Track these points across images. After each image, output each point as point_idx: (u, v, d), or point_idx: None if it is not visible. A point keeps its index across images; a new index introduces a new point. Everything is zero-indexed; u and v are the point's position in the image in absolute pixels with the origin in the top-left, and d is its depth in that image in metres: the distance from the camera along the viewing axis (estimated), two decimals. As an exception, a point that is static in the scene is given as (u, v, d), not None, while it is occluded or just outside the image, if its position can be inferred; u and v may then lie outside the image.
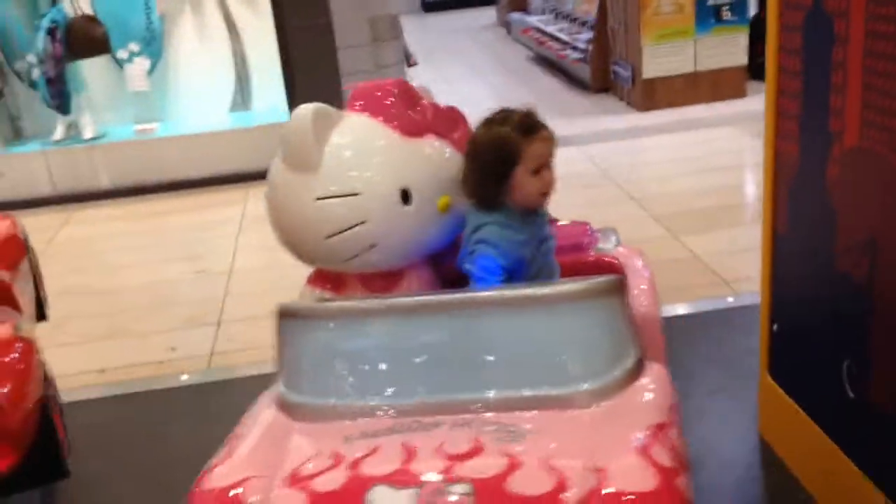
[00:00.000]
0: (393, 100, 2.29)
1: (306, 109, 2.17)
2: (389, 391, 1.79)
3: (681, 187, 5.75)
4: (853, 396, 2.26)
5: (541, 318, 1.79)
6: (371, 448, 1.64)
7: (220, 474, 1.66)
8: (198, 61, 7.20)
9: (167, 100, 7.17)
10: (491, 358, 1.78)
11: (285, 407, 1.84)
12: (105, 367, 4.08)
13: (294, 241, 2.26)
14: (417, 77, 9.84)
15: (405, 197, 2.18)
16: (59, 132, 6.91)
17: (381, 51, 7.28)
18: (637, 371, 1.82)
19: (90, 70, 7.03)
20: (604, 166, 6.27)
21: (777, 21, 2.46)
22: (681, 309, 3.89)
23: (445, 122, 2.37)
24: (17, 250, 3.34)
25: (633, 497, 1.47)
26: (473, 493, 1.50)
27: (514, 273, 2.16)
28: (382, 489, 1.53)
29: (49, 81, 6.63)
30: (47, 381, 2.72)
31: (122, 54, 6.90)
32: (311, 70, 6.42)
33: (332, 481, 1.58)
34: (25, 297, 3.25)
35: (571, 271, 2.33)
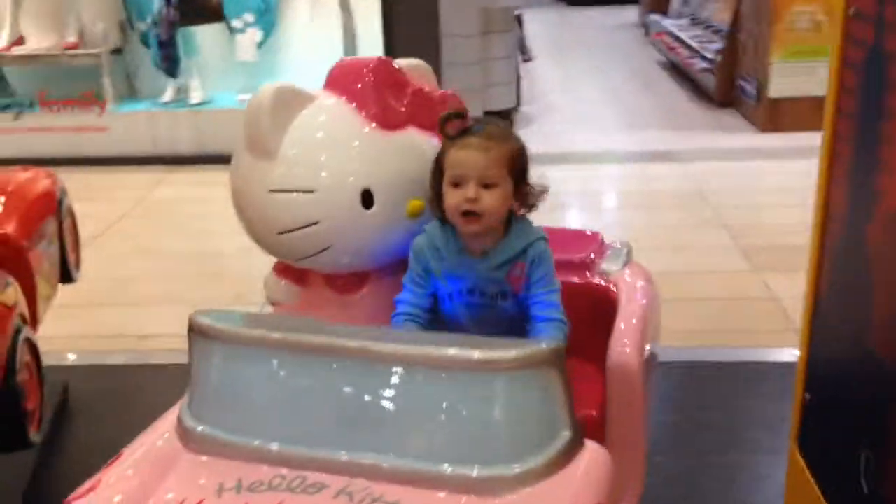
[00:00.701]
0: (372, 82, 2.00)
1: (267, 89, 1.95)
2: (285, 436, 1.58)
3: (780, 220, 5.31)
4: (867, 492, 1.97)
5: (460, 384, 1.52)
6: (243, 504, 1.46)
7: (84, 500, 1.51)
8: (308, 37, 7.19)
9: (274, 73, 7.21)
10: (401, 422, 1.54)
11: (179, 429, 1.67)
12: (150, 333, 4.10)
13: (249, 231, 2.06)
14: (534, 72, 9.62)
15: (367, 199, 1.94)
16: (168, 94, 7.06)
17: (491, 43, 7.10)
18: (567, 454, 1.55)
19: (203, 36, 7.14)
20: (703, 187, 5.88)
21: (839, 56, 2.15)
22: (738, 354, 3.57)
23: (434, 111, 2.05)
24: (43, 210, 3.34)
25: None
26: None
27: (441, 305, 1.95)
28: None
29: (161, 44, 6.77)
30: (26, 348, 2.68)
31: (236, 24, 6.96)
32: (410, 55, 6.28)
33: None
34: (44, 259, 3.25)
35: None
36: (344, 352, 1.57)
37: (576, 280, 2.24)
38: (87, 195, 4.63)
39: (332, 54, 7.16)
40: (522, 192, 1.91)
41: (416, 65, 2.21)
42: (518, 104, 7.62)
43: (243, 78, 7.21)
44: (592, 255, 2.31)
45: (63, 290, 3.53)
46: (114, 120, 6.98)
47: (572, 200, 5.76)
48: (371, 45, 6.78)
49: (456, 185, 1.85)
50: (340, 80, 2.05)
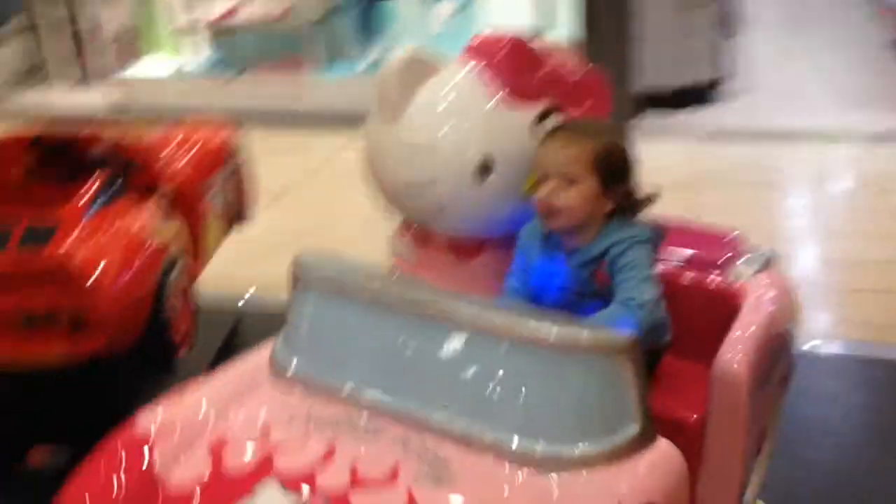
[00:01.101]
0: (505, 56, 2.00)
1: (399, 55, 2.01)
2: (360, 380, 1.63)
3: None
4: None
5: (535, 359, 1.51)
6: (300, 436, 1.54)
7: (150, 414, 1.64)
8: (500, 8, 7.20)
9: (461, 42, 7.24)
10: (470, 386, 1.55)
11: (271, 360, 1.76)
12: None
13: (375, 188, 2.12)
14: (742, 46, 9.10)
15: (484, 167, 1.94)
16: (367, 61, 7.33)
17: (689, 16, 6.81)
18: (632, 447, 1.50)
19: (401, 6, 7.33)
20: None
21: None
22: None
23: (569, 90, 2.04)
24: (217, 161, 3.61)
25: None
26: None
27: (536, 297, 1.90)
28: (273, 488, 1.43)
29: (361, 13, 7.03)
30: (180, 282, 2.90)
31: (433, -6, 7.11)
32: (605, 30, 6.18)
33: (239, 458, 1.51)
34: (214, 205, 3.52)
35: (673, 293, 2.02)
36: (430, 311, 1.61)
37: (700, 280, 2.14)
38: (283, 151, 4.85)
39: (523, 26, 7.19)
40: (615, 192, 1.82)
41: (559, 45, 2.22)
42: (719, 79, 7.27)
43: (435, 45, 7.30)
44: (727, 258, 2.19)
45: (242, 238, 3.80)
46: (314, 84, 7.33)
47: (779, 179, 5.48)
48: (567, 18, 6.69)
49: (541, 182, 1.83)
50: (476, 52, 2.07)
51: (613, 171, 1.81)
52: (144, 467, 1.53)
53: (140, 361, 2.74)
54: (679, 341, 1.97)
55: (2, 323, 2.50)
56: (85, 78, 8.34)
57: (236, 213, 3.80)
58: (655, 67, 6.70)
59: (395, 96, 2.01)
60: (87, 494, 1.51)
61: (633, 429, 1.52)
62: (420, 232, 2.16)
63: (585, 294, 1.86)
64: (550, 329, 1.51)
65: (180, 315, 2.96)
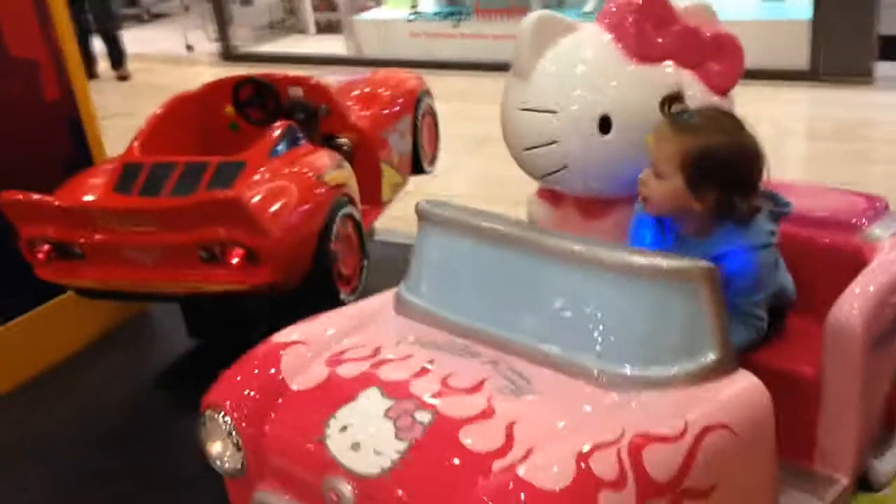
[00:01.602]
0: (634, 16, 2.03)
1: (530, 16, 2.09)
2: (464, 311, 1.78)
3: None
4: None
5: (614, 285, 1.61)
6: (404, 355, 1.71)
7: (285, 333, 1.86)
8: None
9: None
10: (559, 312, 1.66)
11: (396, 296, 1.95)
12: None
13: (507, 145, 2.22)
14: None
15: (604, 124, 1.99)
16: (590, 4, 7.27)
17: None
18: (708, 374, 1.55)
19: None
20: None
21: None
22: None
23: (701, 50, 2.05)
24: (401, 109, 3.80)
25: (532, 488, 1.33)
26: (429, 425, 1.51)
27: None
28: (374, 392, 1.61)
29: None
30: (349, 222, 3.11)
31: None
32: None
33: (350, 370, 1.70)
34: (395, 150, 3.72)
35: (804, 249, 2.05)
36: (528, 245, 1.73)
37: (832, 239, 2.12)
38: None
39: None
40: (707, 193, 1.78)
41: (699, 5, 2.17)
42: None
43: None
44: (865, 219, 2.14)
45: (433, 182, 3.94)
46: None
47: None
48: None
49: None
50: (608, 13, 2.12)
51: (706, 173, 1.77)
52: (273, 376, 1.76)
53: (305, 298, 2.90)
54: (807, 299, 1.98)
55: (181, 255, 2.77)
56: (330, 26, 8.93)
57: (416, 164, 3.98)
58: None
59: (526, 55, 2.08)
60: (228, 393, 1.76)
61: (710, 356, 1.57)
62: (553, 193, 2.25)
63: None
64: (633, 257, 1.61)
65: (346, 257, 3.14)
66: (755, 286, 1.82)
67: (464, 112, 5.50)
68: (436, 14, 7.99)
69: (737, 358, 1.65)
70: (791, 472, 1.89)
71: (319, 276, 2.98)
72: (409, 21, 7.96)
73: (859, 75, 6.21)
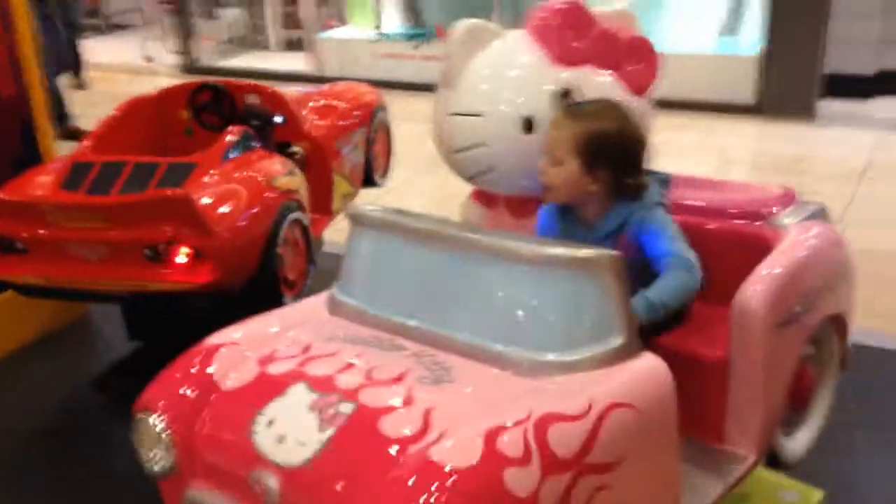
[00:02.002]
0: (556, 22, 2.16)
1: (460, 25, 2.19)
2: (390, 308, 1.86)
3: None
4: None
5: (526, 277, 1.69)
6: (332, 352, 1.77)
7: (220, 335, 1.92)
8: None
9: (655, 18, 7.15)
10: (478, 305, 1.75)
11: (329, 295, 2.02)
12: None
13: (438, 151, 2.32)
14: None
15: (528, 125, 2.10)
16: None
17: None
18: (615, 357, 1.64)
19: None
20: None
21: None
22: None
23: (617, 53, 2.18)
24: (356, 121, 3.88)
25: (442, 468, 1.41)
26: (350, 414, 1.58)
27: None
28: (301, 387, 1.68)
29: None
30: (296, 228, 3.16)
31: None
32: (798, 7, 6.00)
33: (280, 368, 1.76)
34: (348, 161, 3.79)
35: (716, 239, 2.15)
36: (447, 241, 1.81)
37: (740, 227, 2.21)
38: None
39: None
40: (601, 174, 1.91)
41: (619, 12, 2.30)
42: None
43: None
44: (773, 209, 2.24)
45: (388, 198, 4.03)
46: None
47: None
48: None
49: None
50: (533, 19, 2.24)
51: (598, 155, 1.90)
52: (205, 374, 1.82)
53: (248, 301, 2.91)
54: (719, 286, 2.05)
55: (127, 252, 2.80)
56: (293, 43, 8.99)
57: (368, 176, 4.06)
58: (856, 45, 6.39)
59: (456, 63, 2.20)
60: (160, 395, 1.81)
61: (616, 340, 1.66)
62: (486, 195, 2.35)
63: None
64: (544, 249, 1.70)
65: (293, 262, 3.20)
66: (670, 233, 1.90)
67: (423, 132, 5.53)
68: (399, 35, 8.12)
69: (678, 319, 1.80)
70: (702, 451, 2.00)
71: (264, 279, 3.03)
72: (373, 42, 8.09)
73: (802, 111, 6.43)
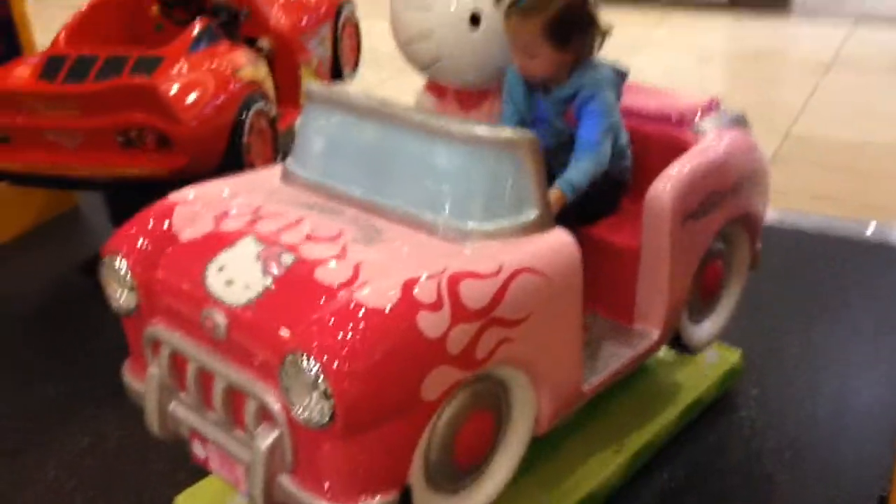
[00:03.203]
0: None
1: None
2: (337, 178, 2.05)
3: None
4: None
5: (452, 152, 1.88)
6: (280, 212, 1.97)
7: (182, 193, 2.11)
8: None
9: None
10: (402, 175, 1.94)
11: (283, 165, 2.20)
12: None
13: (395, 41, 2.45)
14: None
15: (474, 20, 2.25)
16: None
17: None
18: (528, 229, 1.84)
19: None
20: None
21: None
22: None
23: None
24: (321, 16, 4.06)
25: (360, 308, 1.62)
26: (291, 264, 1.79)
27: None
28: (249, 240, 1.89)
29: None
30: (262, 118, 3.31)
31: None
32: None
33: (232, 224, 1.96)
34: (314, 55, 3.97)
35: (642, 141, 2.33)
36: (386, 119, 1.98)
37: (662, 131, 2.40)
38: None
39: None
40: (573, 46, 2.10)
41: None
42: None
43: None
44: (697, 115, 2.41)
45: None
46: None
47: None
48: None
49: (513, 51, 2.14)
50: None
51: (566, 33, 2.09)
52: (165, 227, 2.02)
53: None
54: (640, 185, 2.26)
55: (101, 139, 3.01)
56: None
57: (336, 70, 4.23)
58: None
59: None
60: (124, 241, 2.01)
61: (531, 214, 1.87)
62: (438, 87, 2.50)
63: (560, 129, 2.20)
64: (471, 129, 1.88)
65: (259, 150, 3.39)
66: (603, 117, 2.11)
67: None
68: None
69: (606, 210, 2.08)
70: (612, 327, 2.25)
71: (233, 166, 3.20)
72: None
73: (776, 5, 6.46)
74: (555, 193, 2.01)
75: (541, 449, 2.13)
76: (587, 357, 2.09)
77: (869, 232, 3.55)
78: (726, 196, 2.30)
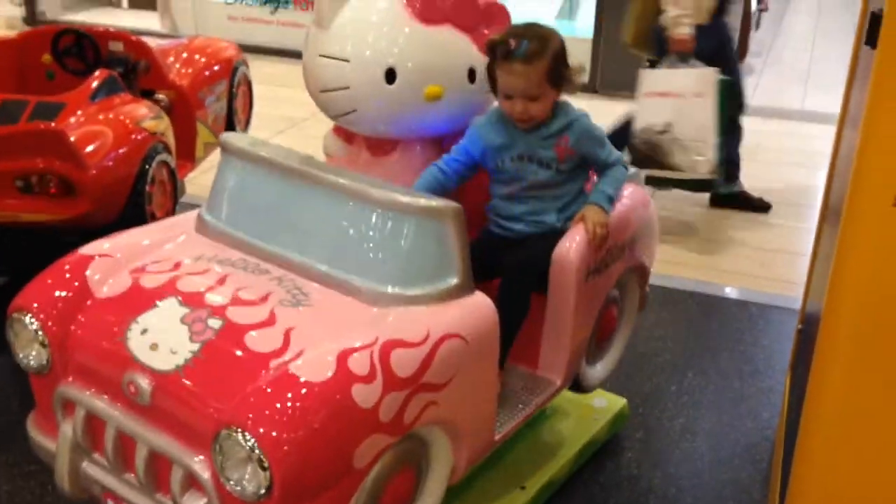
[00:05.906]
0: None
1: None
2: (256, 233, 2.06)
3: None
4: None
5: (378, 218, 1.92)
6: (203, 269, 1.97)
7: (96, 245, 2.07)
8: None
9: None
10: (327, 237, 1.98)
11: (198, 215, 2.19)
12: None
13: (307, 88, 2.46)
14: (775, 23, 9.17)
15: (390, 76, 2.28)
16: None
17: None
18: (449, 295, 1.91)
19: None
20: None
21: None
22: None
23: (475, 16, 2.37)
24: (218, 73, 4.07)
25: (296, 380, 1.65)
26: (219, 329, 1.79)
27: (483, 164, 2.31)
28: (173, 301, 1.87)
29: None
30: (163, 169, 3.31)
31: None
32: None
33: (152, 281, 1.94)
34: (210, 112, 3.97)
35: None
36: (310, 179, 2.02)
37: None
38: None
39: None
40: (564, 83, 2.22)
41: None
42: (742, 55, 7.42)
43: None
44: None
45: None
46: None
47: (786, 157, 5.81)
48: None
49: (508, 97, 2.21)
50: None
51: (561, 73, 2.20)
52: (80, 281, 1.97)
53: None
54: None
55: (1, 183, 2.90)
56: (143, 1, 8.79)
57: (229, 126, 4.25)
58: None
59: (328, 5, 2.34)
60: (35, 296, 1.96)
61: (453, 280, 1.94)
62: (348, 132, 2.53)
63: (544, 161, 2.28)
64: (395, 196, 1.92)
65: (160, 201, 3.37)
66: (605, 138, 2.29)
67: (277, 95, 5.80)
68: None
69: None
70: (520, 375, 2.35)
71: (133, 215, 3.17)
72: (228, 3, 8.00)
73: (630, 90, 6.89)
74: (592, 208, 2.22)
75: (454, 492, 2.20)
76: (499, 406, 2.18)
77: (728, 292, 3.98)
78: (624, 249, 2.43)
